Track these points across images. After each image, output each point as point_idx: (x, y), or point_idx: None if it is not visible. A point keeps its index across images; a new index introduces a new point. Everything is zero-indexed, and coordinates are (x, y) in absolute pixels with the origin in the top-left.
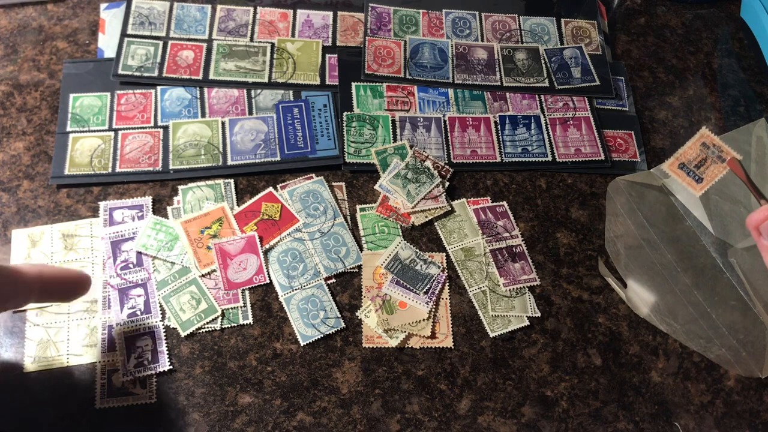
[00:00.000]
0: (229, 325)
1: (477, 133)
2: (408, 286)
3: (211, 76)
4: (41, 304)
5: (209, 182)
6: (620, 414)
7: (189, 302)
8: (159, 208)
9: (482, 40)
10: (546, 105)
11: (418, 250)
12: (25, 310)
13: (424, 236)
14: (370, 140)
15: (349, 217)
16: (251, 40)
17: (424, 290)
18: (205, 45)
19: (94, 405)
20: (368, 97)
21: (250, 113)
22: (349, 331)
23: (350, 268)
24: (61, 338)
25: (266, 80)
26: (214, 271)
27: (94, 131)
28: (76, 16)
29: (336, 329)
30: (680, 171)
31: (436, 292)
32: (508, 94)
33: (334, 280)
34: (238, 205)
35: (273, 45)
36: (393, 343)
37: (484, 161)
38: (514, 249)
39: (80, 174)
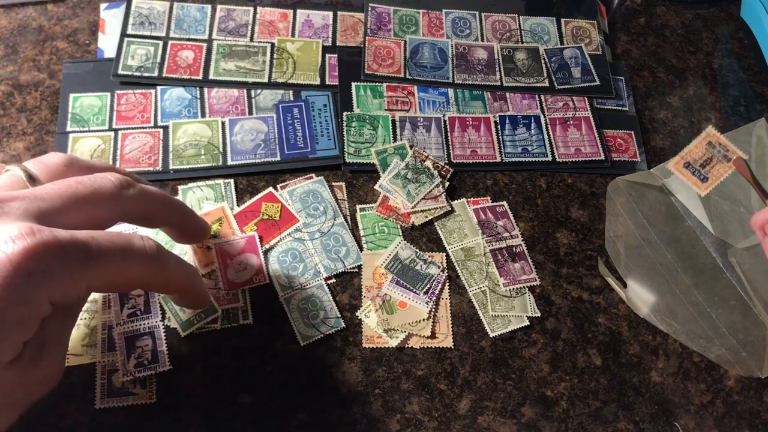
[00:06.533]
0: (229, 325)
1: (477, 133)
2: (408, 286)
3: (211, 76)
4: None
5: (209, 182)
6: (620, 414)
7: None
8: None
9: (482, 40)
10: (546, 105)
11: (418, 250)
12: None
13: (424, 236)
14: (370, 140)
15: (349, 217)
16: (251, 40)
17: (424, 290)
18: (205, 45)
19: (94, 405)
20: (368, 97)
21: (250, 113)
22: (349, 331)
23: (350, 268)
24: None
25: (266, 80)
26: (214, 271)
27: (94, 131)
28: (76, 16)
29: (336, 329)
30: (685, 170)
31: (436, 292)
32: (508, 94)
33: (334, 280)
34: (238, 205)
35: (273, 45)
36: (393, 343)
37: (484, 161)
38: (514, 249)
39: None
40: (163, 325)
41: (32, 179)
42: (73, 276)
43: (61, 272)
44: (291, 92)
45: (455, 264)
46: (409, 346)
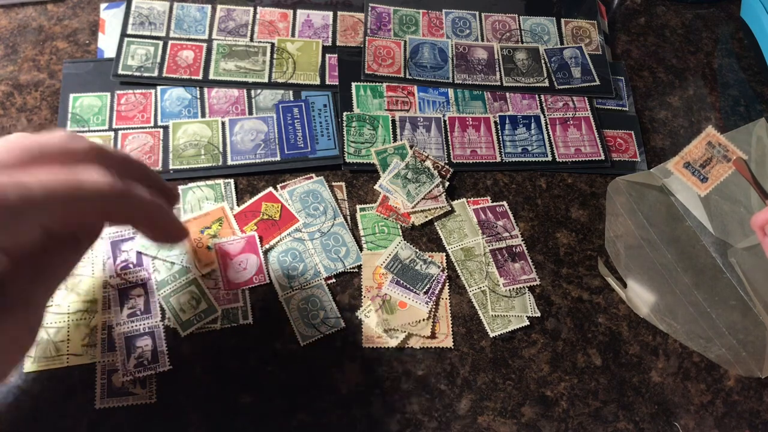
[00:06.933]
0: (229, 325)
1: (477, 133)
2: (408, 286)
3: (211, 76)
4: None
5: (209, 182)
6: (620, 414)
7: (189, 302)
8: None
9: (482, 40)
10: (546, 105)
11: (418, 250)
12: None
13: (424, 236)
14: (370, 140)
15: (349, 217)
16: (251, 40)
17: (424, 290)
18: (205, 45)
19: (94, 405)
20: (368, 97)
21: (250, 113)
22: (349, 331)
23: (350, 268)
24: (60, 338)
25: (266, 80)
26: (214, 271)
27: (95, 131)
28: (76, 16)
29: (336, 329)
30: (685, 170)
31: (436, 292)
32: (508, 94)
33: (334, 280)
34: (238, 205)
35: (273, 45)
36: (393, 343)
37: (484, 161)
38: (514, 249)
39: None
40: (163, 325)
41: None
42: (17, 217)
43: (3, 214)
44: (291, 92)
45: (455, 264)
46: (409, 346)
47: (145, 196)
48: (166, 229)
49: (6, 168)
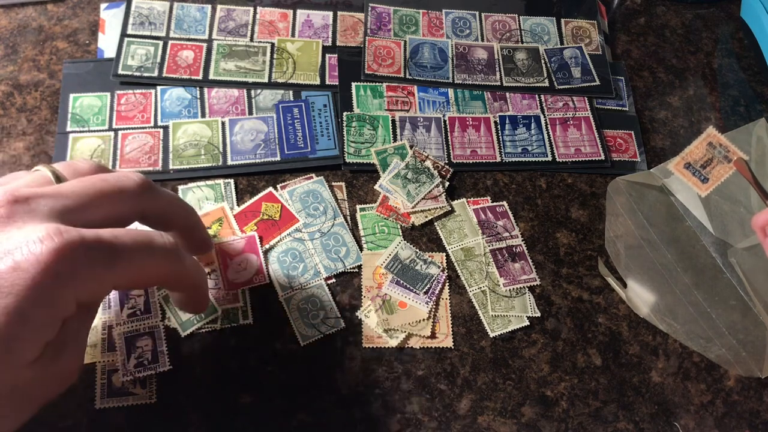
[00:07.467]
0: (229, 325)
1: (477, 133)
2: (408, 286)
3: (211, 76)
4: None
5: (209, 182)
6: (620, 414)
7: None
8: None
9: (482, 40)
10: (546, 105)
11: (418, 250)
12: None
13: (424, 236)
14: (370, 140)
15: (349, 217)
16: (251, 40)
17: (424, 290)
18: (205, 45)
19: (94, 405)
20: (368, 97)
21: (250, 113)
22: (349, 331)
23: (350, 268)
24: None
25: (266, 80)
26: (214, 271)
27: (94, 131)
28: (76, 16)
29: (336, 329)
30: (686, 171)
31: (436, 292)
32: (508, 94)
33: (334, 280)
34: (238, 205)
35: (273, 45)
36: (393, 343)
37: (484, 161)
38: (514, 249)
39: None
40: (163, 325)
41: (59, 179)
42: (99, 276)
43: (87, 272)
44: (291, 92)
45: (455, 264)
46: (409, 346)
47: (197, 276)
48: (197, 302)
49: (77, 211)
